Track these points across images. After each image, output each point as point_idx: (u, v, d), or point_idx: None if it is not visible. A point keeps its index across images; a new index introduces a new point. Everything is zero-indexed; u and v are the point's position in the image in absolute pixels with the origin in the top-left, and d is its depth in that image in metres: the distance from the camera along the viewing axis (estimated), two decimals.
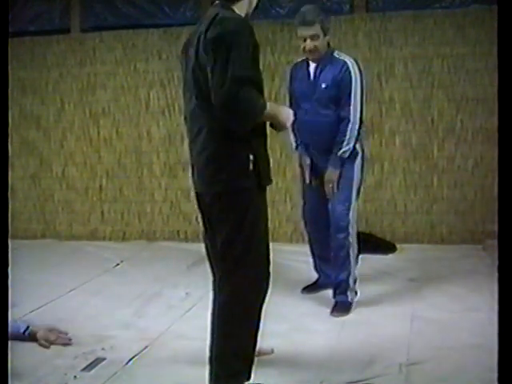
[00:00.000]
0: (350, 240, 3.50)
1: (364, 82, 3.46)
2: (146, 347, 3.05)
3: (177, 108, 5.53)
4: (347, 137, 3.38)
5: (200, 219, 2.59)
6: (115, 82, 5.70)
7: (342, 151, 3.40)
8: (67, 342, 3.12)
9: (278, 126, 2.43)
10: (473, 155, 5.12)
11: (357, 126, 3.38)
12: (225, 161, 2.32)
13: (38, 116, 5.88)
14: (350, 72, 3.39)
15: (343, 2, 5.42)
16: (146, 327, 3.36)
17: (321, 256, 3.83)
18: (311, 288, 3.86)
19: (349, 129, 3.38)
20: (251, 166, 2.31)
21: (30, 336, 3.12)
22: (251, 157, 2.30)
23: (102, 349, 3.03)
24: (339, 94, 3.40)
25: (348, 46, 5.21)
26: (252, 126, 2.29)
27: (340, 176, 3.49)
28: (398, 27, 5.16)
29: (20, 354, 2.85)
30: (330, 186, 3.49)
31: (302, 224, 3.92)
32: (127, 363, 2.86)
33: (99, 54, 5.72)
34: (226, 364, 2.37)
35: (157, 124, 5.64)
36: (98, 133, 5.78)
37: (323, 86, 3.45)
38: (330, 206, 3.53)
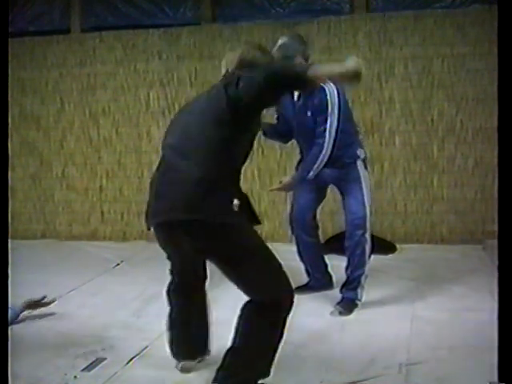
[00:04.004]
0: (367, 237, 3.53)
1: (343, 105, 3.43)
2: (146, 347, 3.05)
3: (176, 108, 5.51)
4: (317, 164, 3.41)
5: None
6: (115, 82, 5.70)
7: (310, 175, 3.44)
8: (52, 301, 3.54)
9: (345, 78, 2.24)
10: (473, 155, 5.12)
11: (328, 154, 3.39)
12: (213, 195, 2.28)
13: (38, 116, 5.88)
14: (326, 98, 3.39)
15: (343, 2, 5.41)
16: (146, 327, 3.35)
17: (308, 260, 3.86)
18: (302, 289, 3.87)
19: (321, 155, 3.40)
20: (236, 209, 2.29)
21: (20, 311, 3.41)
22: (235, 201, 2.29)
23: (102, 349, 3.03)
24: (319, 119, 3.43)
25: (348, 46, 5.22)
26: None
27: (348, 179, 3.53)
28: (398, 27, 5.17)
29: (20, 354, 2.85)
30: (279, 187, 3.58)
31: (289, 229, 3.94)
32: (127, 363, 2.86)
33: (99, 54, 5.72)
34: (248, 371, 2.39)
35: (157, 124, 5.64)
36: (98, 133, 5.78)
37: (309, 113, 3.48)
38: (345, 206, 3.57)
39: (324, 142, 3.40)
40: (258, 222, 2.43)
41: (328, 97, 3.40)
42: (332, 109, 3.39)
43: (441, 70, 5.12)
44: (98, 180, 5.82)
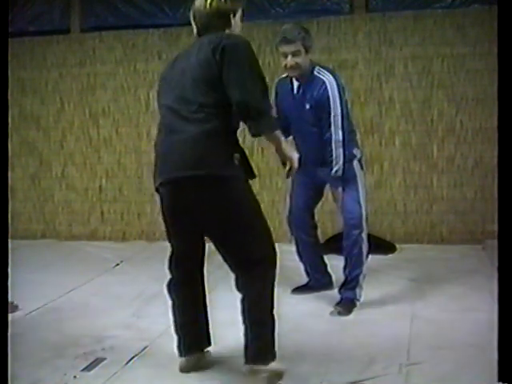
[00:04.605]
0: (363, 236, 3.52)
1: (345, 97, 3.45)
2: (146, 347, 3.05)
3: None
4: (334, 156, 3.40)
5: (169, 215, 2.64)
6: (115, 82, 5.71)
7: (334, 171, 3.42)
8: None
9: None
10: (472, 155, 5.12)
11: (340, 144, 3.39)
12: (216, 150, 2.46)
13: (38, 116, 5.89)
14: (327, 92, 3.39)
15: (343, 2, 5.42)
16: (146, 327, 3.35)
17: (308, 260, 3.85)
18: (302, 289, 3.87)
19: (333, 148, 3.39)
20: (237, 163, 2.48)
21: None
22: (236, 155, 2.48)
23: (102, 349, 3.03)
24: (321, 114, 3.42)
25: (348, 46, 5.23)
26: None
27: (344, 179, 3.50)
28: (398, 27, 5.17)
29: (20, 354, 2.85)
30: (337, 204, 3.54)
31: (288, 230, 3.94)
32: (127, 363, 2.86)
33: (99, 54, 5.72)
34: (269, 344, 2.57)
35: (157, 124, 5.63)
36: (98, 133, 5.79)
37: (307, 106, 3.47)
38: (341, 206, 3.55)
39: (331, 135, 3.37)
40: (254, 176, 2.58)
41: (329, 89, 3.39)
42: (334, 100, 3.38)
43: (441, 70, 5.13)
44: (97, 180, 5.82)
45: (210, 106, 2.45)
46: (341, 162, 3.40)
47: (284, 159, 2.60)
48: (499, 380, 1.74)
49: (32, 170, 5.94)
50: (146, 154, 5.68)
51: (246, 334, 2.55)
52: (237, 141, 2.55)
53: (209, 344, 2.81)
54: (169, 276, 2.78)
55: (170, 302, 2.80)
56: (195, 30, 2.62)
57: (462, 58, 5.08)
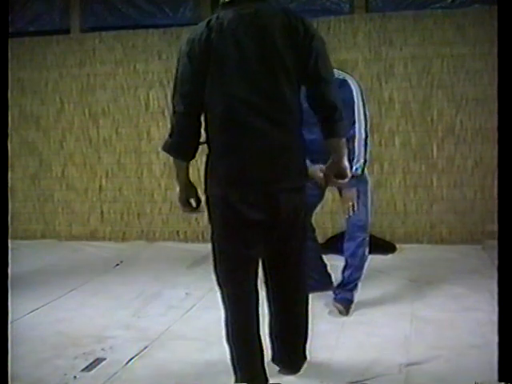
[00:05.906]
0: (367, 239, 3.51)
1: (364, 97, 3.40)
2: (146, 347, 3.05)
3: None
4: (356, 153, 3.34)
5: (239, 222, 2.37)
6: (115, 82, 5.71)
7: (354, 169, 3.35)
8: None
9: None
10: (472, 155, 5.13)
11: (363, 142, 3.35)
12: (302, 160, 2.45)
13: (38, 116, 5.89)
14: (351, 90, 3.32)
15: (343, 2, 5.42)
16: (146, 327, 3.35)
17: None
18: None
19: (356, 146, 3.34)
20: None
21: None
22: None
23: (102, 349, 3.03)
24: (345, 112, 3.37)
25: (348, 46, 5.23)
26: None
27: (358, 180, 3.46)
28: (398, 27, 5.17)
29: (20, 354, 2.85)
30: (350, 203, 3.45)
31: None
32: (127, 363, 2.86)
33: (99, 55, 5.72)
34: (303, 350, 2.68)
35: (156, 124, 5.65)
36: (98, 133, 5.79)
37: None
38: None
39: (355, 132, 3.27)
40: None
41: (352, 87, 3.25)
42: (357, 98, 3.25)
43: (440, 70, 5.13)
44: (97, 180, 5.82)
45: (291, 103, 2.30)
46: (362, 160, 3.35)
47: (338, 172, 2.38)
48: (499, 380, 1.74)
49: (32, 170, 5.94)
50: (146, 155, 5.69)
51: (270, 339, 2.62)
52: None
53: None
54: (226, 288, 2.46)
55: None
56: None
57: (461, 58, 5.08)
